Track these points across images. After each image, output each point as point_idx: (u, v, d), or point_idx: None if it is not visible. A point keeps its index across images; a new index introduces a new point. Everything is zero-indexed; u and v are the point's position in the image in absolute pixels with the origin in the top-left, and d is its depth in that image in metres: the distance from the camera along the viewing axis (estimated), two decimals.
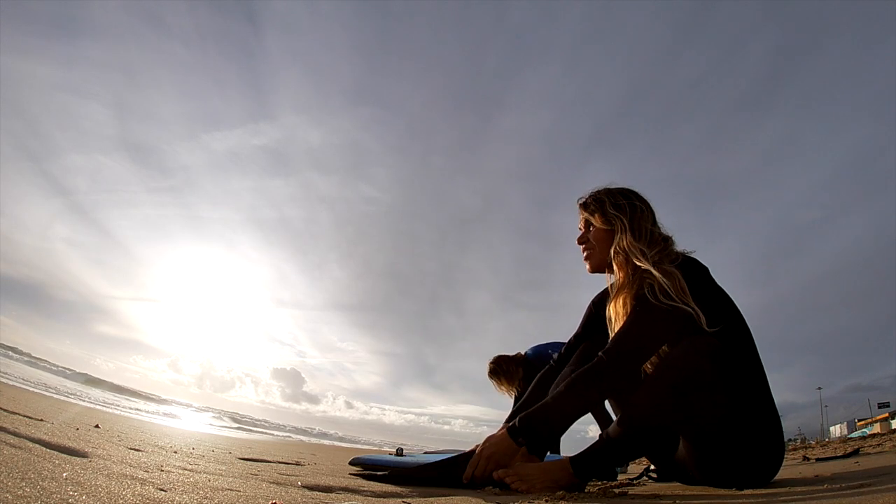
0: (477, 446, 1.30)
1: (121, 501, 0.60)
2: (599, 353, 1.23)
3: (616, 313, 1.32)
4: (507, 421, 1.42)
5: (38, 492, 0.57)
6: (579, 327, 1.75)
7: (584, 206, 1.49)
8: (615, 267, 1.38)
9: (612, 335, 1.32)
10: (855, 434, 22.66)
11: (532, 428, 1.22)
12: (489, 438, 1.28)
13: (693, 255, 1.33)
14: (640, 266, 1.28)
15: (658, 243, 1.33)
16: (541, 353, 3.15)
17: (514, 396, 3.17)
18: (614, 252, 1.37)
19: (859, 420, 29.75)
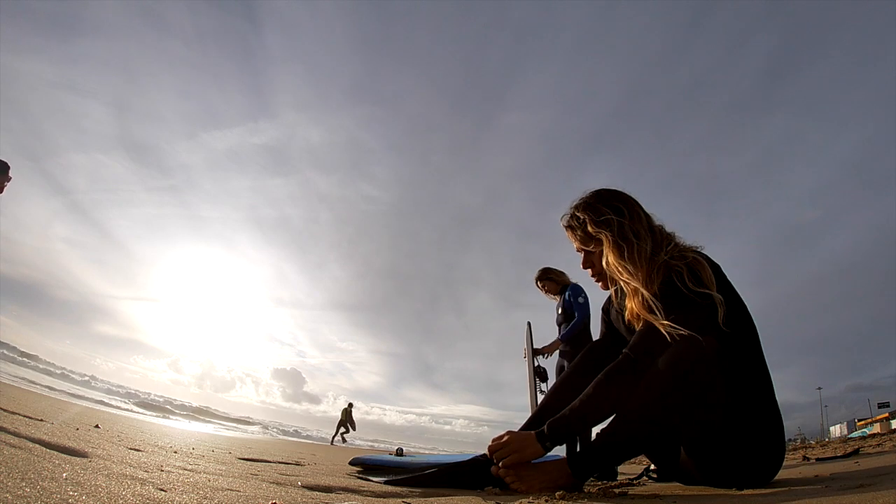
0: (486, 455, 1.27)
1: (121, 501, 0.60)
2: (625, 350, 1.19)
3: (635, 310, 1.24)
4: (532, 421, 1.37)
5: (38, 492, 0.57)
6: (600, 335, 1.60)
7: (571, 228, 1.41)
8: (619, 278, 1.29)
9: (637, 328, 1.24)
10: (855, 434, 22.65)
11: (560, 435, 1.20)
12: (515, 434, 1.25)
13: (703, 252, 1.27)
14: (631, 281, 1.22)
15: (666, 238, 1.28)
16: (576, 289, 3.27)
17: (557, 305, 3.36)
18: (607, 268, 1.30)
19: (859, 420, 29.74)
